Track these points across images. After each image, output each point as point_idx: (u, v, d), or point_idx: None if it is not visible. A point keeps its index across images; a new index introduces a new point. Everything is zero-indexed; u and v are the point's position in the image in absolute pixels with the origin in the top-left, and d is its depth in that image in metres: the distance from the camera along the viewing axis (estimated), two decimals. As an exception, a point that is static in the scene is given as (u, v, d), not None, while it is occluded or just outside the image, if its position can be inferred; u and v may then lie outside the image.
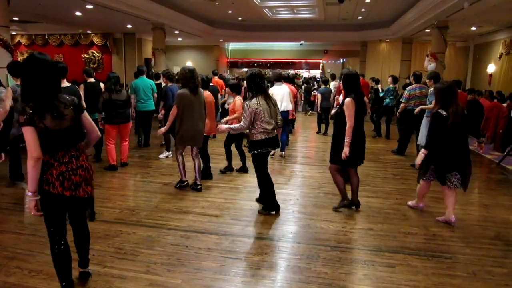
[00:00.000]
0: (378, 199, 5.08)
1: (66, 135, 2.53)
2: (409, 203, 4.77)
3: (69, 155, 2.57)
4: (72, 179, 2.54)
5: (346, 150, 4.25)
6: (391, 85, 9.67)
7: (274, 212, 4.50)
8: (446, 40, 11.95)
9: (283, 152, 7.45)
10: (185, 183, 5.39)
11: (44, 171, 2.47)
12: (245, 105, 4.22)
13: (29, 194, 2.44)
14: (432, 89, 6.13)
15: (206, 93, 5.73)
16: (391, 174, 6.37)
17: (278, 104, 7.10)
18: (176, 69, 16.86)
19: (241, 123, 4.27)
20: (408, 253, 3.54)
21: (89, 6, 10.56)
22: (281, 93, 6.87)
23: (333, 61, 20.75)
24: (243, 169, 6.32)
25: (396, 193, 5.33)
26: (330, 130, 9.94)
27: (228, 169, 6.30)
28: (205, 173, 5.83)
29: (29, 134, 2.35)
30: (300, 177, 6.13)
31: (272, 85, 7.20)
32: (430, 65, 11.59)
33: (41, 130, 2.38)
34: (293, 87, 8.43)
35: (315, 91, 13.91)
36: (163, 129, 5.26)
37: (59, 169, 2.50)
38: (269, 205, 4.51)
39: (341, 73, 5.66)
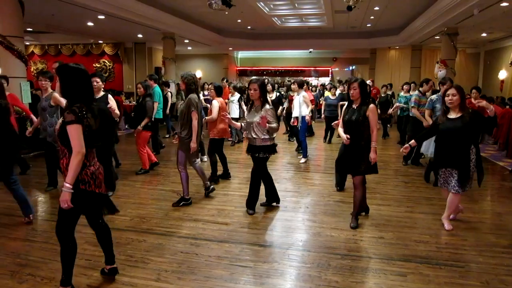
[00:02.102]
0: (389, 207, 5.04)
1: (98, 136, 2.77)
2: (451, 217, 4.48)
3: (93, 155, 2.80)
4: (99, 178, 2.80)
5: (375, 156, 4.15)
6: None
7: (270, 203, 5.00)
8: (456, 47, 11.90)
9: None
10: (190, 200, 5.06)
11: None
12: (272, 109, 4.54)
13: (69, 186, 2.58)
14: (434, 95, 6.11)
15: (219, 99, 6.10)
16: (402, 182, 6.32)
17: (297, 109, 7.31)
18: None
19: (275, 125, 4.49)
20: (419, 261, 3.50)
21: (101, 17, 10.77)
22: (301, 99, 7.46)
23: (342, 69, 20.73)
24: (227, 175, 6.29)
25: (407, 201, 5.28)
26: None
27: (214, 179, 6.05)
28: (225, 174, 6.29)
29: (78, 132, 2.57)
30: (310, 185, 6.11)
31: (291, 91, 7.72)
32: (440, 72, 11.54)
33: (85, 128, 2.61)
34: (309, 93, 8.50)
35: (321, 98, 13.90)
36: (194, 144, 4.87)
37: (91, 169, 2.73)
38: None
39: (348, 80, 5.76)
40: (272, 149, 4.67)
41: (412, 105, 6.81)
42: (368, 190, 5.58)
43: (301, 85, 7.62)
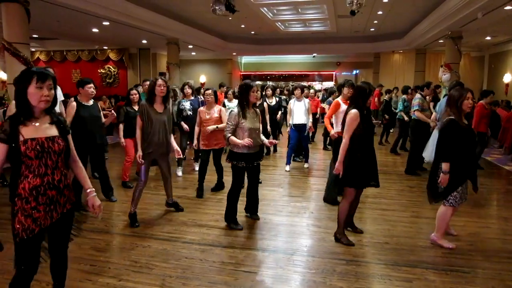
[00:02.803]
0: (394, 211, 5.02)
1: None
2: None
3: None
4: None
5: None
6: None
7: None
8: (461, 50, 11.87)
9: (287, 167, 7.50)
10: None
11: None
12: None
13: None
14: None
15: (218, 107, 5.80)
16: (407, 186, 6.29)
17: (303, 116, 7.23)
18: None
19: None
20: (425, 267, 3.47)
21: (106, 23, 10.85)
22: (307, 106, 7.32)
23: (346, 73, 20.73)
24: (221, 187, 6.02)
25: (412, 206, 5.26)
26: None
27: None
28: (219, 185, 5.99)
29: None
30: (315, 190, 6.09)
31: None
32: (444, 76, 11.51)
33: None
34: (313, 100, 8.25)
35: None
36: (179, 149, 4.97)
37: None
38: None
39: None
40: None
41: (416, 108, 6.78)
42: (372, 195, 5.58)
43: (303, 90, 7.55)
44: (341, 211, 3.98)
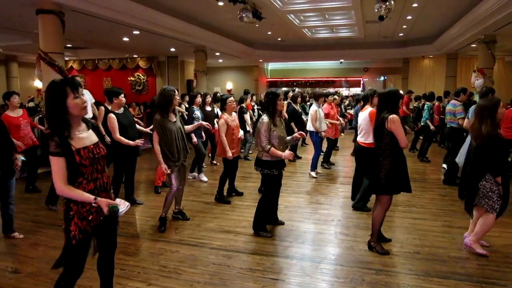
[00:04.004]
0: (425, 220, 4.88)
1: None
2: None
3: None
4: None
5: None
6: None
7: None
8: (494, 55, 11.48)
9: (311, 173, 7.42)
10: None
11: None
12: None
13: None
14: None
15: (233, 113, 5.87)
16: (438, 195, 6.11)
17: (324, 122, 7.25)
18: (216, 89, 17.30)
19: None
20: (459, 279, 3.35)
21: (136, 32, 11.15)
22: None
23: (374, 79, 20.43)
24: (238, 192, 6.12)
25: (444, 215, 5.10)
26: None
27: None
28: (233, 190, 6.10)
29: None
30: (342, 197, 6.01)
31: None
32: (477, 81, 11.15)
33: None
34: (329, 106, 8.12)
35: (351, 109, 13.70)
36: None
37: None
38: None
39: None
40: None
41: (463, 116, 6.50)
42: (403, 204, 5.46)
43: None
44: (376, 219, 3.92)
